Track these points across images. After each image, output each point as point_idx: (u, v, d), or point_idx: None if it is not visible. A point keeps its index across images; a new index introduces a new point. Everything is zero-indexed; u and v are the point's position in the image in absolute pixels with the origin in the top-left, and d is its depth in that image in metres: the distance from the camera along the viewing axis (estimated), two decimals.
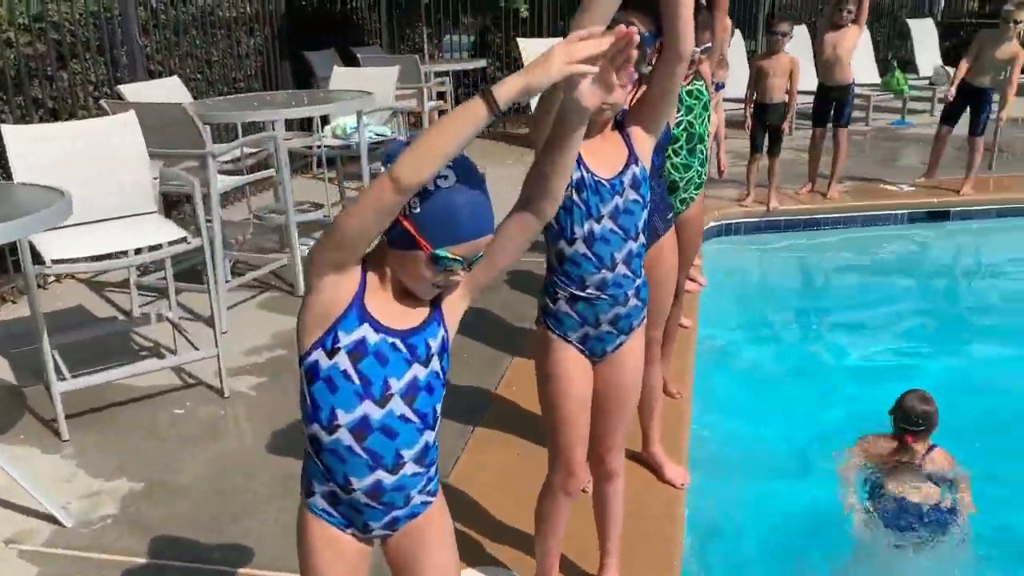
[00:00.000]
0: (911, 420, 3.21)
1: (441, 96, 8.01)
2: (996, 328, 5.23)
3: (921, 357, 4.73)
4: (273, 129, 4.90)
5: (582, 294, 2.02)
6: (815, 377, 4.48)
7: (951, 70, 11.90)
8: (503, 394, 3.59)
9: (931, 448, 3.25)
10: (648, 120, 2.00)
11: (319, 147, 5.42)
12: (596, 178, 1.95)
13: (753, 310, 5.47)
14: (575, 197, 1.95)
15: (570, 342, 2.07)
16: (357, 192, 6.04)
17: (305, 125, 7.00)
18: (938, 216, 6.71)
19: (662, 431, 3.05)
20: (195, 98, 5.88)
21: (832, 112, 6.66)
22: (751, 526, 3.20)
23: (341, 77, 6.12)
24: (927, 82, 11.56)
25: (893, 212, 6.65)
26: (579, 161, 1.91)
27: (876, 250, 6.44)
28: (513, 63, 10.71)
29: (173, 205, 5.90)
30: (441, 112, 8.06)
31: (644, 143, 2.01)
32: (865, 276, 6.14)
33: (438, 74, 7.98)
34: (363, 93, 5.30)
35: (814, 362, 4.71)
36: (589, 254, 1.98)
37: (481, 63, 8.48)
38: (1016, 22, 6.39)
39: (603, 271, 2.00)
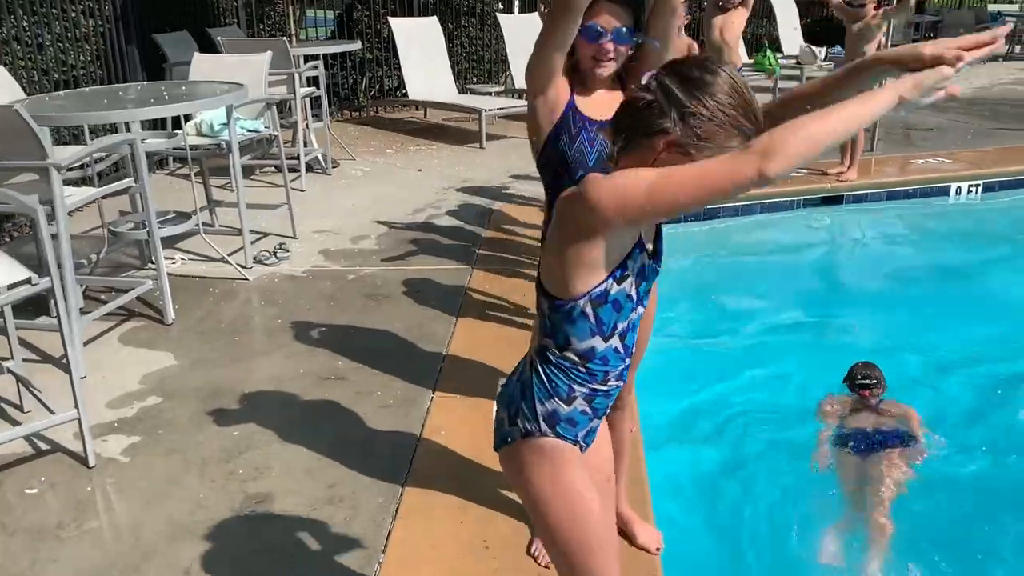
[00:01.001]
0: (864, 377, 3.80)
1: (313, 82, 7.33)
2: (906, 300, 5.31)
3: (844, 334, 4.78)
4: (128, 130, 4.18)
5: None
6: (739, 374, 4.32)
7: (817, 49, 12.22)
8: (431, 439, 3.12)
9: (883, 400, 3.81)
10: None
11: (181, 148, 4.71)
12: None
13: (668, 308, 5.20)
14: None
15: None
16: (225, 186, 5.35)
17: (161, 121, 6.19)
18: (832, 200, 6.68)
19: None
20: (26, 92, 5.02)
21: None
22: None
23: (203, 66, 5.39)
24: (794, 61, 11.76)
25: (791, 199, 6.56)
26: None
27: (777, 236, 6.35)
28: (384, 44, 10.08)
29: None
30: (315, 99, 7.38)
31: None
32: (769, 262, 6.04)
33: (309, 57, 7.29)
34: (233, 85, 4.64)
35: (731, 358, 4.53)
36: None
37: (355, 44, 7.81)
38: (862, 4, 6.37)
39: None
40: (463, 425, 3.19)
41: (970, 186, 6.94)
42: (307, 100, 7.19)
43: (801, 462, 3.54)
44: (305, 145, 7.35)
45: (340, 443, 3.09)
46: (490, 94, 9.73)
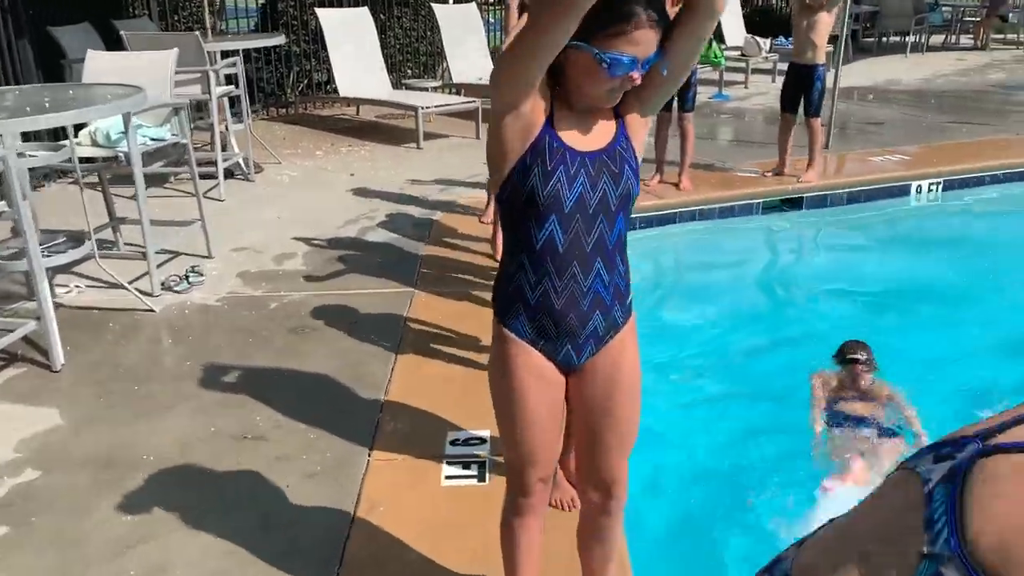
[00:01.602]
0: (854, 352, 3.80)
1: (231, 80, 6.68)
2: (873, 304, 5.07)
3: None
4: (2, 145, 3.54)
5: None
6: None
7: (761, 40, 11.96)
8: (367, 518, 2.61)
9: (873, 380, 3.79)
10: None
11: (70, 160, 4.08)
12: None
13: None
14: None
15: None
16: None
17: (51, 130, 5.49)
18: (791, 203, 6.33)
19: None
20: None
21: (676, 96, 6.10)
22: None
23: (98, 64, 4.74)
24: (738, 53, 11.48)
25: (748, 202, 6.19)
26: None
27: (739, 242, 5.97)
28: (311, 36, 9.43)
29: None
30: (233, 100, 6.74)
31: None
32: (728, 269, 5.66)
33: (226, 53, 6.64)
34: (131, 88, 4.03)
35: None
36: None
37: (278, 39, 7.17)
38: None
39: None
40: (405, 497, 2.69)
41: (931, 184, 6.68)
42: (225, 100, 6.56)
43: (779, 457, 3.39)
44: (224, 149, 6.71)
45: (258, 529, 2.56)
46: (427, 89, 9.17)
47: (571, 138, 1.66)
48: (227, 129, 6.64)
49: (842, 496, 3.02)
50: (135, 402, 3.33)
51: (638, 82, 1.60)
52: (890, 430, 3.58)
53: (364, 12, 8.87)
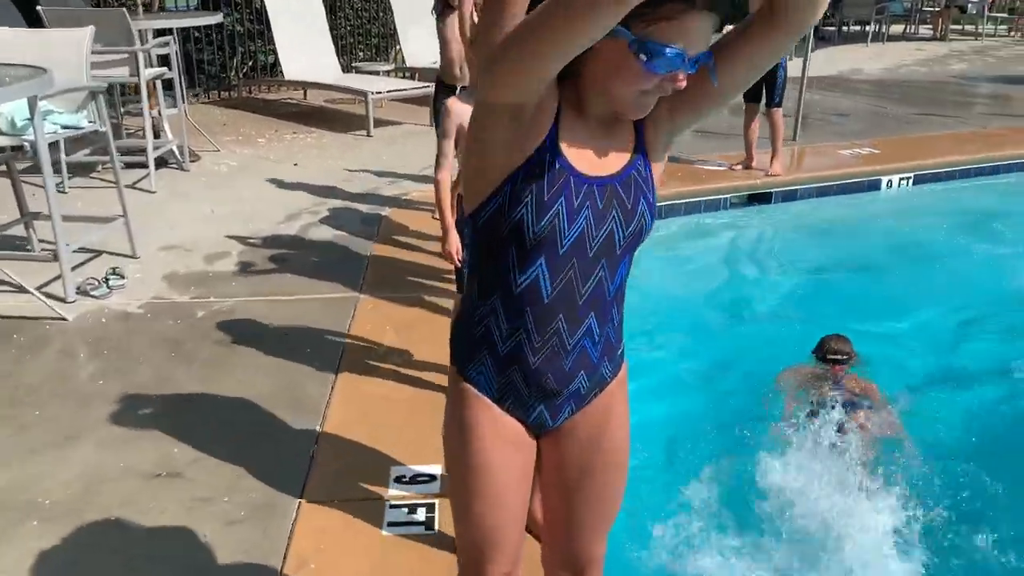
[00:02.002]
0: (836, 352, 3.72)
1: (165, 61, 6.19)
2: (848, 298, 4.89)
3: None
4: None
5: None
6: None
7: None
8: None
9: (847, 374, 3.67)
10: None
11: None
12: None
13: None
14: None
15: None
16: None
17: None
18: (759, 198, 6.06)
19: None
20: None
21: (763, 87, 5.89)
22: None
23: (4, 43, 4.25)
24: None
25: (716, 197, 5.90)
26: None
27: (708, 239, 5.69)
28: (256, 15, 8.92)
29: None
30: (167, 83, 6.25)
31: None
32: (698, 268, 5.38)
33: (159, 32, 6.15)
34: (36, 70, 3.58)
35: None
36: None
37: (216, 17, 6.66)
38: None
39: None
40: (341, 549, 2.33)
41: (901, 179, 6.46)
42: (158, 83, 6.08)
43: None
44: (157, 136, 6.24)
45: None
46: (378, 73, 8.74)
47: (578, 158, 1.29)
48: (160, 114, 6.16)
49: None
50: (35, 431, 2.91)
51: (682, 85, 1.22)
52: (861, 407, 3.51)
53: None
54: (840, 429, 3.26)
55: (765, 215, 5.99)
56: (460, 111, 2.89)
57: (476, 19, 3.65)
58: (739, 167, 6.23)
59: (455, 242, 2.97)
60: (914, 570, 2.72)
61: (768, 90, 5.99)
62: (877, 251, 5.65)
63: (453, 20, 4.36)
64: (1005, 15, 16.25)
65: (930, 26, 15.99)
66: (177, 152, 6.12)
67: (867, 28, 14.29)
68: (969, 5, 15.49)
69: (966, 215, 6.18)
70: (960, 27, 15.70)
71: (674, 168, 6.18)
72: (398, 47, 9.45)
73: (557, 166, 1.27)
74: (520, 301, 1.34)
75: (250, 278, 4.21)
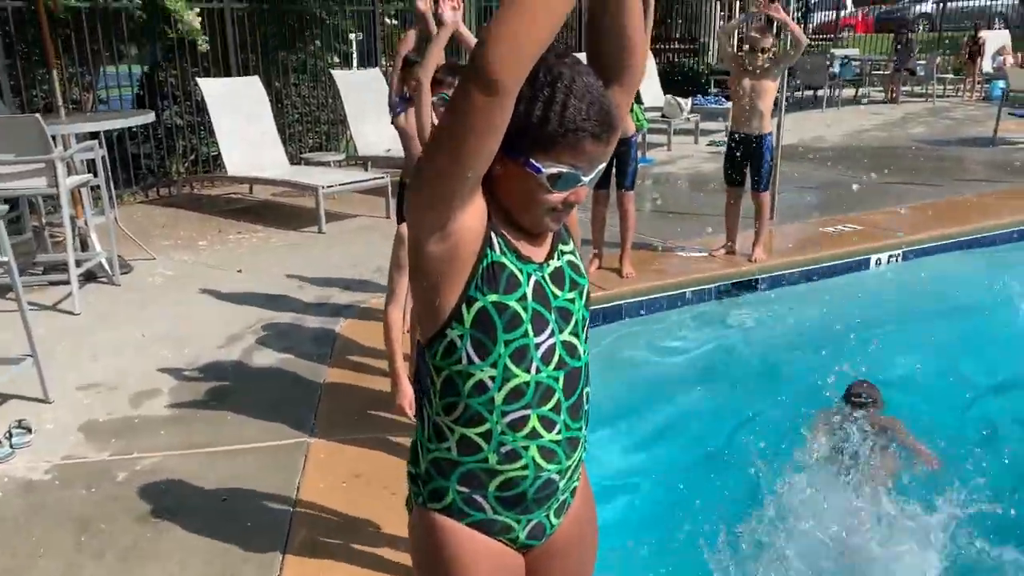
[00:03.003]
0: (864, 395, 3.84)
1: (92, 168, 5.63)
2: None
3: None
4: None
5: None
6: None
7: (682, 100, 11.51)
8: None
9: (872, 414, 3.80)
10: None
11: None
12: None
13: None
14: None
15: None
16: None
17: None
18: (745, 286, 5.62)
19: None
20: None
21: (615, 171, 5.40)
22: None
23: None
24: (660, 115, 10.98)
25: (701, 287, 5.45)
26: None
27: (697, 332, 5.20)
28: (196, 106, 8.44)
29: None
30: (95, 189, 5.69)
31: None
32: (683, 364, 4.88)
33: (86, 135, 5.62)
34: None
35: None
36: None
37: (147, 116, 6.11)
38: (763, 50, 5.45)
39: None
40: None
41: (890, 256, 6.10)
42: (85, 190, 5.52)
43: None
44: (84, 248, 5.66)
45: None
46: (328, 164, 8.28)
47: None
48: (87, 224, 5.59)
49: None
50: None
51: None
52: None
53: (253, 81, 7.95)
54: (860, 460, 3.49)
55: (753, 304, 5.54)
56: None
57: (435, 120, 3.22)
58: (719, 252, 5.81)
59: (408, 394, 2.47)
60: None
61: (754, 172, 5.63)
62: (875, 334, 5.22)
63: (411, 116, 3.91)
64: (952, 76, 16.43)
65: (879, 88, 16.11)
66: (106, 264, 5.53)
67: (819, 93, 14.28)
68: (918, 67, 15.62)
69: (963, 287, 5.82)
70: (909, 89, 15.82)
71: (649, 256, 5.74)
72: (349, 134, 9.03)
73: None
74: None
75: (182, 424, 3.60)
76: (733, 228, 5.80)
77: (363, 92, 8.48)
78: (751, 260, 5.63)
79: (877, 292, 5.78)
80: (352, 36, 10.42)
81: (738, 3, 19.73)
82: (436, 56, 3.24)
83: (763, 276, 5.63)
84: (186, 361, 4.23)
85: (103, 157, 5.45)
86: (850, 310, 5.47)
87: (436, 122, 3.22)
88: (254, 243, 6.54)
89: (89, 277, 5.53)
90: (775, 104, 5.76)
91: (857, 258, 5.97)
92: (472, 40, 3.26)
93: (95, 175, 5.48)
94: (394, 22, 10.58)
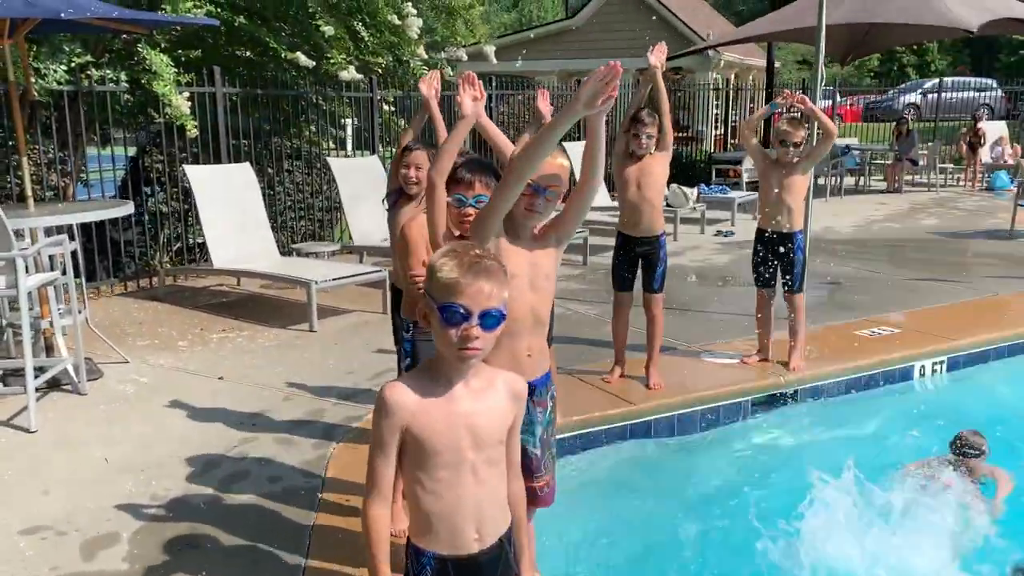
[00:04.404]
0: (971, 446, 4.07)
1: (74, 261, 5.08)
2: None
3: None
4: None
5: None
6: None
7: (688, 190, 11.18)
8: None
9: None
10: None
11: None
12: None
13: None
14: None
15: None
16: None
17: None
18: (779, 400, 5.08)
19: None
20: None
21: (641, 271, 4.96)
22: None
23: None
24: (665, 204, 10.62)
25: (733, 401, 4.90)
26: None
27: (734, 455, 4.61)
28: (184, 193, 7.99)
29: None
30: (66, 289, 5.14)
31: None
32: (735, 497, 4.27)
33: (55, 229, 5.11)
34: None
35: None
36: None
37: (126, 208, 5.59)
38: (795, 144, 5.05)
39: None
40: None
41: (934, 364, 5.58)
42: (51, 289, 4.98)
43: None
44: (49, 352, 5.10)
45: None
46: (323, 255, 7.79)
47: None
48: (52, 326, 5.03)
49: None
50: None
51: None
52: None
53: (244, 168, 7.52)
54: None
55: (794, 418, 4.98)
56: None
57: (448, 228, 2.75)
58: (752, 359, 5.29)
59: None
60: None
61: (786, 272, 5.17)
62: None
63: (412, 213, 3.43)
64: (953, 166, 16.29)
65: (878, 177, 15.93)
66: (72, 371, 4.94)
67: (819, 181, 14.04)
68: (921, 158, 15.47)
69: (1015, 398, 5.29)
70: (910, 179, 15.63)
71: (675, 362, 5.22)
72: (344, 222, 8.58)
73: None
74: None
75: None
76: (766, 334, 5.30)
77: (359, 179, 8.07)
78: (791, 369, 5.11)
79: (926, 403, 5.24)
80: (348, 121, 10.10)
81: (731, 94, 19.80)
82: (452, 152, 2.77)
83: (801, 387, 5.09)
84: (152, 495, 3.62)
85: (74, 252, 4.94)
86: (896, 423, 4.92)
87: (451, 228, 2.74)
88: (239, 343, 5.97)
89: (53, 384, 4.95)
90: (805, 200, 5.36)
91: (899, 368, 5.45)
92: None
93: (63, 272, 4.95)
94: (392, 108, 10.27)
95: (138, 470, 3.87)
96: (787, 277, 5.20)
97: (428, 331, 1.94)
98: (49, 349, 5.15)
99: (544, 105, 3.83)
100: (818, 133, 5.35)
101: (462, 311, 1.78)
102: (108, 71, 7.28)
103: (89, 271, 7.15)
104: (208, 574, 3.01)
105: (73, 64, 6.92)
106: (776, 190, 5.10)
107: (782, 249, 5.18)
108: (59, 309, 5.13)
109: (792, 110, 6.10)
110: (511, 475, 2.02)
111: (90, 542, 3.26)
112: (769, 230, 5.21)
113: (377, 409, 1.88)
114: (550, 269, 2.54)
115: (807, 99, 5.05)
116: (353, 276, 6.76)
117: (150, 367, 5.41)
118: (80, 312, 5.15)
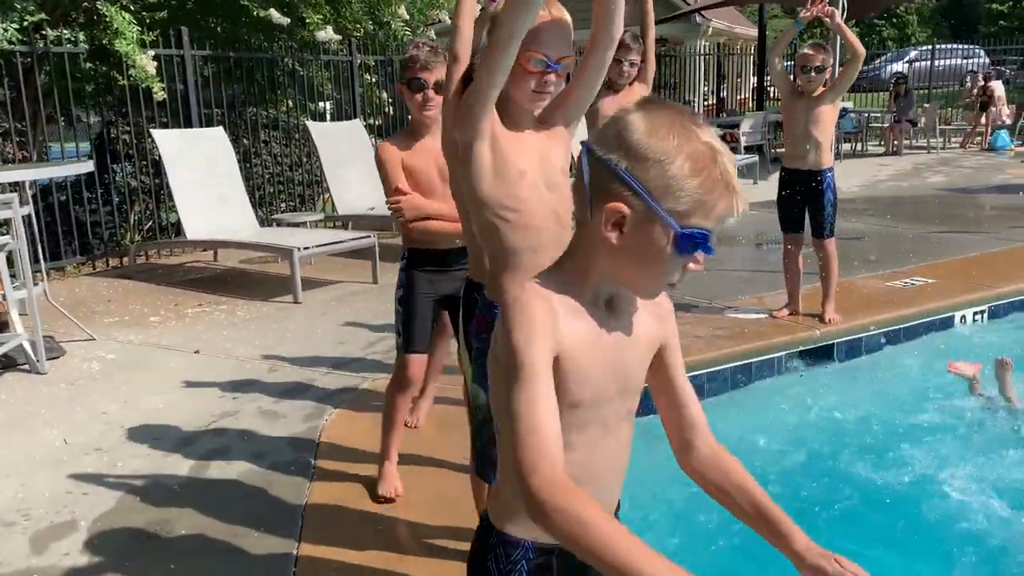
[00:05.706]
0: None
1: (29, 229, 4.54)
2: None
3: None
4: None
5: None
6: None
7: None
8: None
9: None
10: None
11: None
12: None
13: None
14: None
15: None
16: None
17: None
18: (818, 354, 4.63)
19: None
20: None
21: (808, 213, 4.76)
22: None
23: None
24: None
25: (767, 356, 4.43)
26: None
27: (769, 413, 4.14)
28: (155, 166, 7.42)
29: None
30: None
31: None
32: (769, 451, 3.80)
33: (7, 188, 4.56)
34: None
35: None
36: None
37: (85, 166, 5.01)
38: (818, 69, 4.59)
39: None
40: None
41: (975, 313, 5.14)
42: (2, 257, 4.44)
43: None
44: (4, 329, 4.56)
45: None
46: (304, 224, 7.26)
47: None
48: (5, 300, 4.50)
49: None
50: None
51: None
52: None
53: (218, 132, 6.97)
54: None
55: (833, 374, 4.52)
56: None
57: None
58: (783, 314, 4.83)
59: None
60: None
61: (814, 215, 4.72)
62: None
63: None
64: (950, 127, 15.90)
65: (876, 143, 15.54)
66: (29, 349, 4.41)
67: None
68: (921, 120, 15.07)
69: None
70: (909, 141, 15.23)
71: (703, 319, 4.75)
72: (327, 195, 8.05)
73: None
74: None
75: None
76: (796, 284, 4.84)
77: (343, 145, 7.53)
78: (827, 322, 4.66)
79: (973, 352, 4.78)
80: (327, 101, 9.53)
81: (721, 61, 19.34)
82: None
83: (839, 340, 4.64)
84: (117, 478, 3.12)
85: (27, 216, 4.40)
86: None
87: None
88: (217, 317, 5.44)
89: (8, 364, 4.43)
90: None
91: (940, 316, 5.01)
92: None
93: (15, 239, 4.41)
94: (373, 78, 9.70)
95: (101, 452, 3.36)
96: (816, 221, 4.75)
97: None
98: (3, 326, 4.62)
99: None
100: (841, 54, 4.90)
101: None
102: (66, 31, 6.70)
103: (53, 253, 6.60)
104: (178, 567, 2.51)
105: (26, 23, 6.34)
106: (802, 123, 4.66)
107: (809, 189, 4.74)
108: (13, 284, 4.60)
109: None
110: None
111: (41, 533, 2.75)
112: (794, 168, 4.78)
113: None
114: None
115: (836, 12, 4.57)
116: (339, 243, 6.24)
117: (119, 344, 4.89)
118: (37, 285, 4.62)
